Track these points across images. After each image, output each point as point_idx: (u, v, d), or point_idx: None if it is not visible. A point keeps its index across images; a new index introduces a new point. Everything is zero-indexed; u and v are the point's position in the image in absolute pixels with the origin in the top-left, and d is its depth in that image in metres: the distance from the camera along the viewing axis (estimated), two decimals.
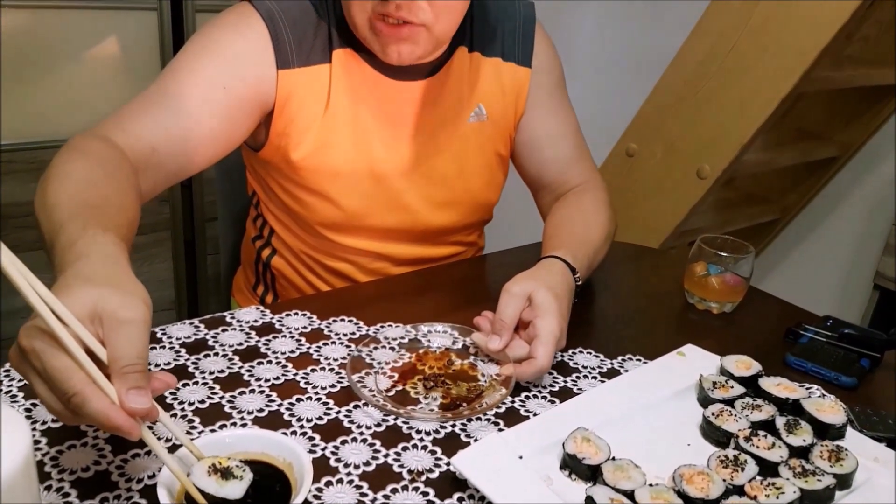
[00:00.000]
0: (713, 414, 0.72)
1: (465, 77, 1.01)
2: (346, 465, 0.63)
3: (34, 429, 0.63)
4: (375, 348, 0.80)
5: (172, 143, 0.84)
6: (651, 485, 0.61)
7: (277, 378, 0.74)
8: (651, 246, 1.94)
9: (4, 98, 1.57)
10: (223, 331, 0.82)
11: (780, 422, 0.71)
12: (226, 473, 0.53)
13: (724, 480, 0.63)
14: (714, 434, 0.71)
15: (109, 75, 1.67)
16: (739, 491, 0.62)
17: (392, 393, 0.73)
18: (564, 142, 1.08)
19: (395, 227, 1.02)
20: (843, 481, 0.65)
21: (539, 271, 0.84)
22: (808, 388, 0.82)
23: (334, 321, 0.86)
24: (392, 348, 0.80)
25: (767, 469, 0.65)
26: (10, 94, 1.57)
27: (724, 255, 0.98)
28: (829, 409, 0.73)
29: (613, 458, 0.64)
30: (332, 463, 0.63)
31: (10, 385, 0.69)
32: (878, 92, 2.06)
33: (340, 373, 0.76)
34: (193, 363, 0.75)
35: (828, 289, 2.33)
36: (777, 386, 0.77)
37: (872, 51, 2.06)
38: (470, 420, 0.70)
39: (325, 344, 0.81)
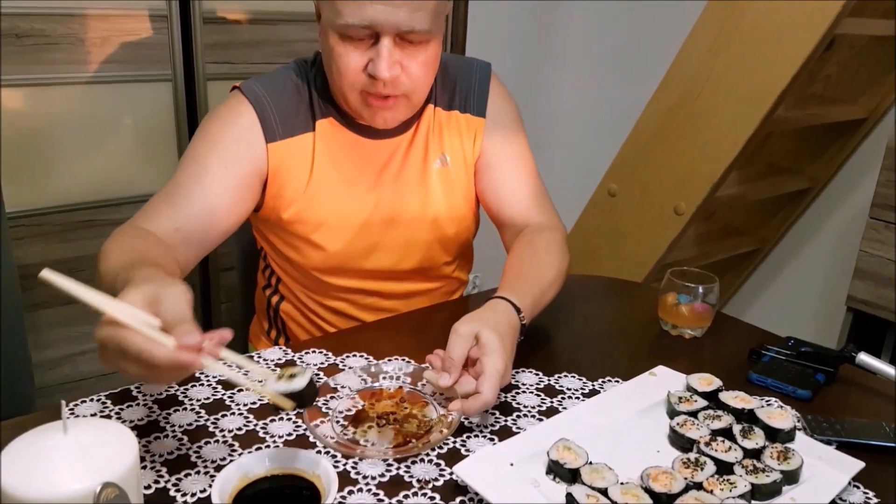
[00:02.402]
0: (678, 424, 0.83)
1: (430, 130, 1.15)
2: (365, 477, 0.74)
3: None
4: (333, 396, 0.87)
5: (193, 223, 0.99)
6: (622, 483, 0.72)
7: None
8: (636, 279, 2.07)
9: (34, 168, 1.71)
10: None
11: (737, 429, 0.82)
12: (291, 376, 0.69)
13: (686, 479, 0.74)
14: (679, 441, 0.82)
15: (129, 143, 1.81)
16: (698, 486, 0.73)
17: (345, 439, 0.80)
18: (522, 184, 1.19)
19: (378, 268, 1.15)
20: (790, 477, 0.76)
21: (485, 312, 0.90)
22: (767, 401, 0.93)
23: (347, 356, 0.98)
24: (347, 394, 0.88)
25: (724, 468, 0.76)
26: (39, 164, 1.71)
27: (691, 285, 1.10)
28: (779, 416, 0.85)
29: (590, 463, 0.75)
30: (353, 475, 0.74)
31: None
32: (844, 126, 2.21)
33: (354, 397, 0.87)
34: (229, 397, 0.87)
35: (808, 313, 2.45)
36: (735, 398, 0.88)
37: (834, 89, 2.22)
38: (469, 437, 0.82)
39: (340, 372, 0.92)
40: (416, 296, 1.21)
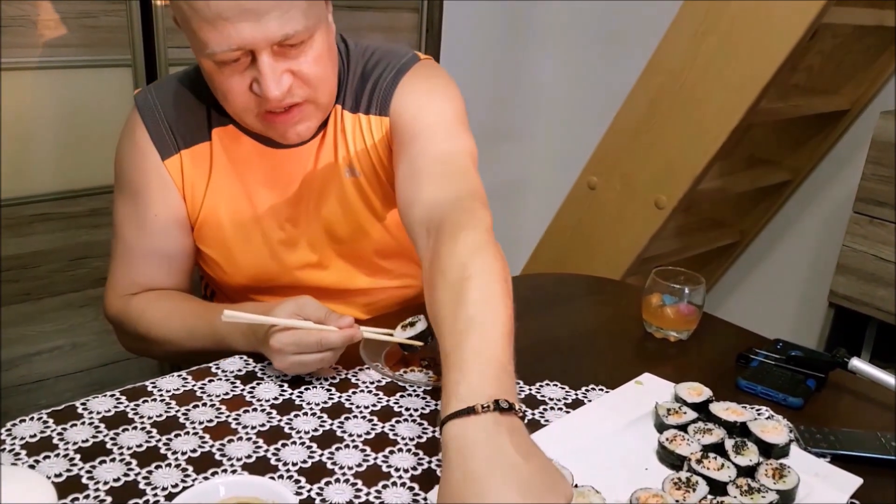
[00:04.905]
0: (667, 439, 0.78)
1: (338, 136, 1.00)
2: None
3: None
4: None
5: (166, 274, 1.02)
6: None
7: (263, 425, 0.79)
8: (614, 274, 2.03)
9: None
10: (209, 381, 0.86)
11: (729, 444, 0.78)
12: (411, 324, 0.91)
13: (677, 501, 0.69)
14: (669, 458, 0.77)
15: (85, 132, 1.70)
16: None
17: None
18: (421, 167, 0.91)
19: (310, 286, 1.03)
20: (786, 497, 0.71)
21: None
22: (757, 410, 0.89)
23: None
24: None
25: (717, 488, 0.71)
26: None
27: (677, 286, 1.06)
28: (773, 430, 0.80)
29: (576, 486, 0.69)
30: (318, 503, 0.68)
31: (13, 444, 0.73)
32: (825, 117, 2.18)
33: (322, 416, 0.81)
34: (184, 414, 0.80)
35: (788, 308, 2.43)
36: (726, 410, 0.84)
37: (817, 79, 2.18)
38: None
39: (306, 389, 0.86)
40: (375, 308, 1.11)
